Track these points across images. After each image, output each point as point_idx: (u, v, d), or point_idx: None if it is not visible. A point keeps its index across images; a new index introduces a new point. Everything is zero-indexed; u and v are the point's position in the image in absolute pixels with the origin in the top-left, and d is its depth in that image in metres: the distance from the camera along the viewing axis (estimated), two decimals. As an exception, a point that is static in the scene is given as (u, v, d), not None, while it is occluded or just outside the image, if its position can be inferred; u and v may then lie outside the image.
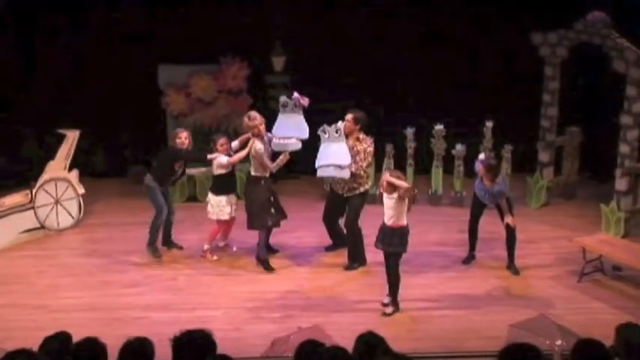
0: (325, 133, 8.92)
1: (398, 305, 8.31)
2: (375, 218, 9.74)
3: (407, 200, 8.07)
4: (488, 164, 9.20)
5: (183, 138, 9.37)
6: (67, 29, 11.80)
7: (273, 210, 9.23)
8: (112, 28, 11.76)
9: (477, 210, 9.46)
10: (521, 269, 9.30)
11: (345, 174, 8.96)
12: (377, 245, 8.33)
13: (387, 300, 8.37)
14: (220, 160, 9.21)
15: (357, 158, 9.09)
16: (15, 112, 11.69)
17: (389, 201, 8.13)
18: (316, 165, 9.09)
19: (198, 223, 10.10)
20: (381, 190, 8.20)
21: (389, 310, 8.28)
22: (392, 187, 8.06)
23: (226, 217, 9.37)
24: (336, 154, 8.88)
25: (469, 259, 9.58)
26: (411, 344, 7.40)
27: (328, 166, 8.90)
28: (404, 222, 8.16)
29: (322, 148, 8.96)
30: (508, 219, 9.06)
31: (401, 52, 11.84)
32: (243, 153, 9.10)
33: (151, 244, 9.58)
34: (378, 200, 11.21)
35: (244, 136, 9.21)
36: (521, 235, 9.45)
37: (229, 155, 9.21)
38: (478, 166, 9.32)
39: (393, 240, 8.18)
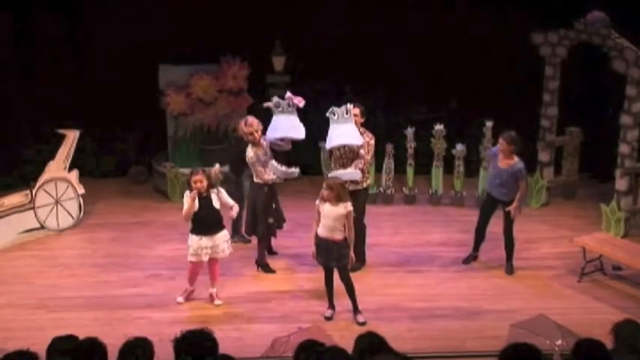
0: (334, 115, 8.78)
1: (359, 310, 8.16)
2: (375, 218, 9.79)
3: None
4: (509, 135, 8.96)
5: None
6: (66, 29, 11.79)
7: (271, 220, 9.18)
8: (112, 28, 11.74)
9: (488, 210, 9.34)
10: (521, 269, 9.29)
11: (357, 176, 8.83)
12: (318, 261, 8.12)
13: (328, 313, 8.19)
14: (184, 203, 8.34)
15: (362, 152, 9.03)
16: (15, 112, 11.68)
17: (331, 212, 7.85)
18: (327, 145, 9.05)
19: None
20: (323, 200, 7.87)
21: (360, 319, 8.09)
22: (338, 198, 7.80)
23: (193, 258, 8.43)
24: (347, 134, 8.74)
25: (470, 258, 9.54)
26: (411, 344, 7.42)
27: (338, 157, 8.78)
28: (341, 235, 7.89)
29: (331, 129, 8.84)
30: (515, 204, 8.97)
31: (401, 51, 11.82)
32: (186, 210, 8.25)
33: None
34: (378, 200, 11.33)
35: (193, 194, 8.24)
36: (521, 235, 9.45)
37: (201, 195, 8.24)
38: (493, 151, 9.25)
39: (332, 254, 7.95)
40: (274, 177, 9.09)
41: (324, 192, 7.90)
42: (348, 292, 8.13)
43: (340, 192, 7.87)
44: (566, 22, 10.74)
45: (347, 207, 7.86)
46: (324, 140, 9.15)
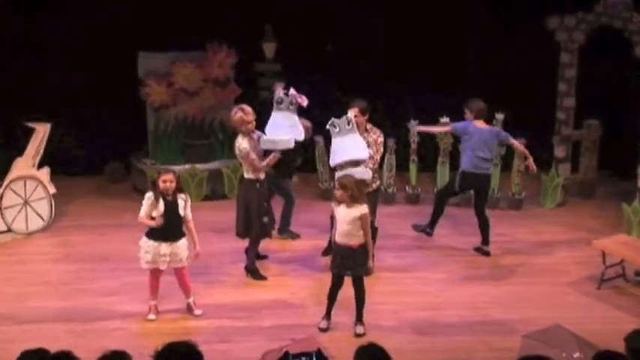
0: (335, 127, 8.66)
1: (362, 321, 8.15)
2: (384, 219, 9.77)
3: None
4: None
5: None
6: (38, 11, 11.78)
7: (266, 219, 9.19)
8: (87, 12, 11.73)
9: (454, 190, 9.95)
10: (535, 275, 9.33)
11: (367, 175, 8.68)
12: (332, 269, 8.03)
13: (323, 324, 8.13)
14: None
15: (370, 152, 8.96)
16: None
17: (346, 215, 7.72)
18: (331, 163, 8.92)
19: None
20: (337, 201, 7.78)
21: (360, 330, 8.05)
22: (352, 199, 7.69)
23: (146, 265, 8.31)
24: (353, 148, 8.64)
25: (422, 229, 10.02)
26: (414, 356, 7.43)
27: (346, 163, 8.61)
28: (358, 241, 7.79)
29: (335, 143, 8.73)
30: (529, 160, 9.52)
31: (407, 39, 11.85)
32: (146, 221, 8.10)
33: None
34: (379, 199, 11.33)
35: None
36: (535, 237, 9.49)
37: (166, 198, 8.07)
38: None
39: (348, 262, 7.85)
40: (270, 156, 8.98)
41: (337, 192, 7.77)
42: (357, 302, 8.08)
43: (355, 192, 7.72)
44: (585, 5, 10.76)
45: (362, 209, 7.74)
46: (320, 134, 9.15)
